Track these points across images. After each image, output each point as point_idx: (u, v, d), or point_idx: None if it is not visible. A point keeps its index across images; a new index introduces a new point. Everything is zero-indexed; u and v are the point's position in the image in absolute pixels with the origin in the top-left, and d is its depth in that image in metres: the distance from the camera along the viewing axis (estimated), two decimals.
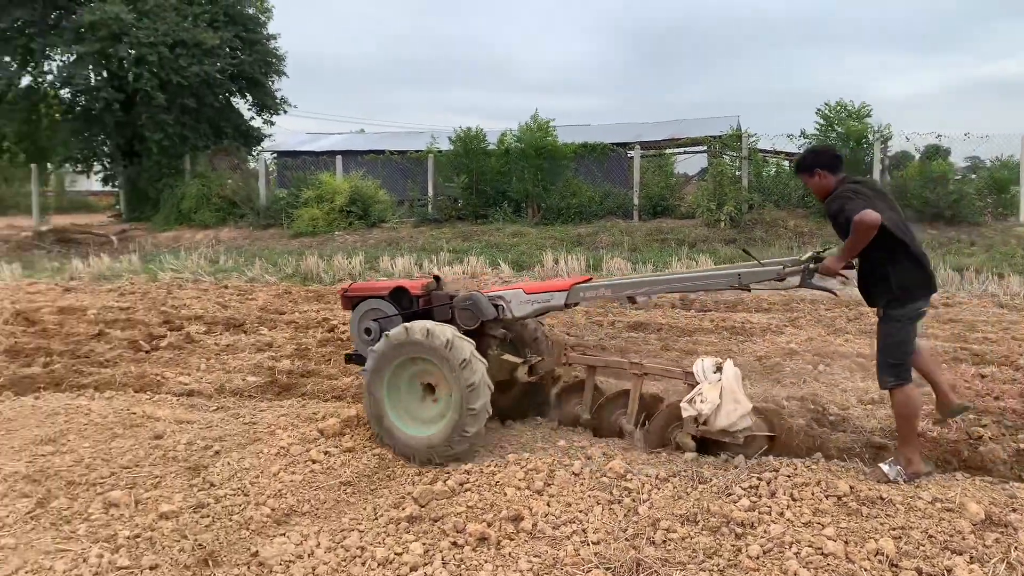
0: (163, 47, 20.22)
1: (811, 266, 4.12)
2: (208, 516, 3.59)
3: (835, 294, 4.81)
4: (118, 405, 5.46)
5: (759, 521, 3.39)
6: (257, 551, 3.30)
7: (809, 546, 3.17)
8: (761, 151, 17.88)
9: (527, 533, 3.38)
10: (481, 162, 19.20)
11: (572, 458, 4.15)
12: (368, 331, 4.93)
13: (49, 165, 27.06)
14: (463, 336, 4.41)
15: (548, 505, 3.59)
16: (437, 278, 5.15)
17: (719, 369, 4.26)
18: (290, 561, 3.23)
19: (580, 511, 3.56)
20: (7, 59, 21.17)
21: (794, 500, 3.59)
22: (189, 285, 11.64)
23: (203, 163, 22.37)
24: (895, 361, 3.99)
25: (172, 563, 3.20)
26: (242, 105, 24.96)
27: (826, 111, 16.63)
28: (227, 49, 21.80)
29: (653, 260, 12.79)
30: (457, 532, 3.39)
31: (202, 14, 21.50)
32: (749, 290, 4.55)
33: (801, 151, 13.55)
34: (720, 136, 18.11)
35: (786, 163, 18.06)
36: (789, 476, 3.85)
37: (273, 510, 3.69)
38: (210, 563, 3.23)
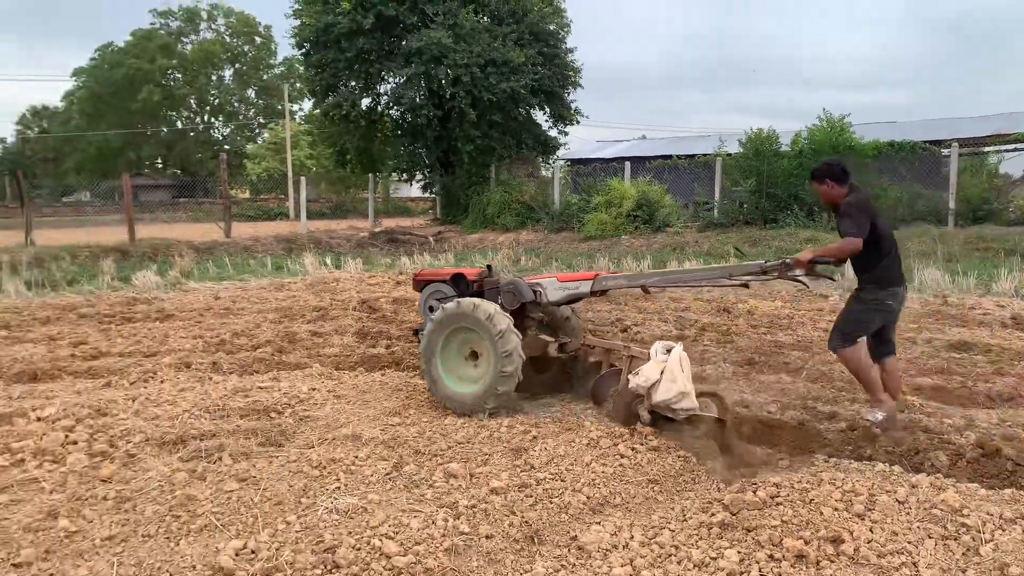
0: (476, 67, 21.92)
1: (787, 260, 4.70)
2: (531, 496, 3.83)
3: (807, 285, 5.50)
4: None
5: None
6: (576, 535, 3.45)
7: None
8: None
9: (848, 557, 3.17)
10: (772, 164, 18.34)
11: (895, 485, 3.81)
12: (431, 308, 5.78)
13: (379, 174, 30.59)
14: (503, 312, 5.20)
15: (871, 531, 3.33)
16: (489, 267, 6.02)
17: (669, 351, 4.68)
18: (607, 550, 3.33)
19: (908, 542, 3.25)
20: (352, 84, 24.26)
21: None
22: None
23: (505, 171, 23.94)
24: (847, 330, 4.80)
25: (504, 535, 3.46)
26: (540, 117, 26.27)
27: None
28: (530, 65, 23.04)
29: (975, 272, 11.31)
30: (773, 545, 3.27)
31: (510, 34, 22.95)
32: (747, 286, 5.43)
33: None
34: None
35: None
36: None
37: (588, 498, 3.84)
38: (535, 540, 3.44)
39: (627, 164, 22.98)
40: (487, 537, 3.42)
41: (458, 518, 3.55)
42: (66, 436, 4.57)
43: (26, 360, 6.90)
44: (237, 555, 3.21)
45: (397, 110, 24.89)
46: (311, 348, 7.44)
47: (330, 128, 26.77)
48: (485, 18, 24.03)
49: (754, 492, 3.75)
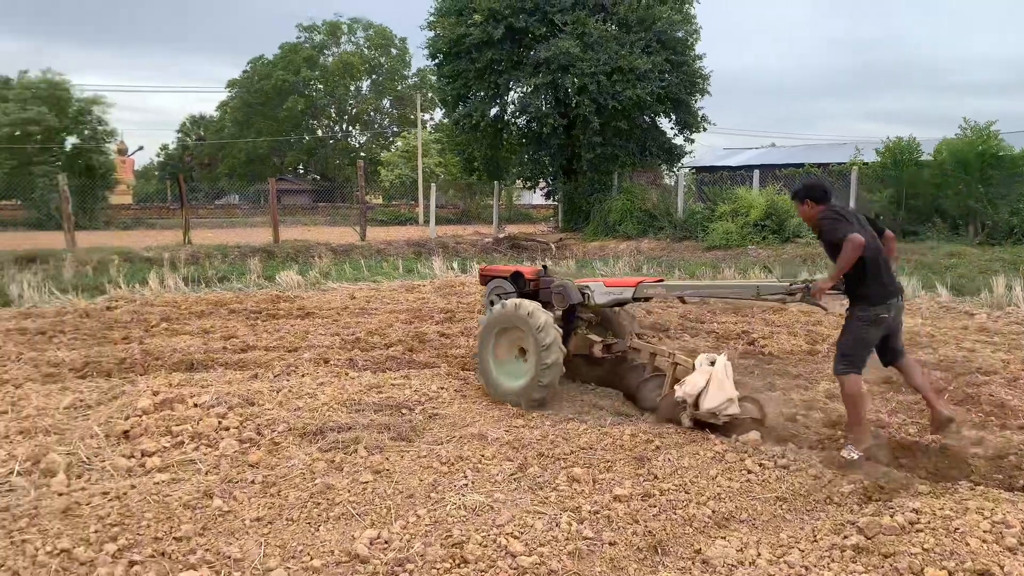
0: (602, 75, 21.86)
1: (809, 285, 4.75)
2: (655, 506, 3.79)
3: (826, 309, 5.32)
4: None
5: None
6: (700, 549, 3.39)
7: None
8: None
9: None
10: (912, 174, 17.26)
11: None
12: (492, 302, 6.22)
13: (504, 182, 31.02)
14: (544, 310, 5.54)
15: None
16: (545, 267, 6.46)
17: (713, 363, 4.97)
18: (733, 565, 3.25)
19: None
20: (481, 93, 24.75)
21: None
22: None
23: (628, 179, 23.72)
24: (848, 352, 4.63)
25: (627, 543, 3.44)
26: (665, 124, 25.87)
27: None
28: (657, 73, 22.75)
29: None
30: (913, 574, 3.09)
31: (637, 41, 22.74)
32: (767, 301, 5.54)
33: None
34: None
35: None
36: None
37: (714, 512, 3.76)
38: (659, 550, 3.40)
39: (755, 172, 22.28)
40: (610, 544, 3.41)
41: (581, 522, 3.56)
42: (219, 422, 4.92)
43: (184, 351, 7.46)
44: (371, 544, 3.35)
45: (523, 118, 25.19)
46: (439, 348, 7.65)
47: (459, 137, 27.41)
48: (613, 26, 23.93)
49: (891, 517, 3.55)
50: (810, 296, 4.73)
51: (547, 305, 5.85)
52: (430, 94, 54.39)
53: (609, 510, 3.70)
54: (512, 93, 25.34)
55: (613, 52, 22.21)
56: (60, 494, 3.87)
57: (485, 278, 6.72)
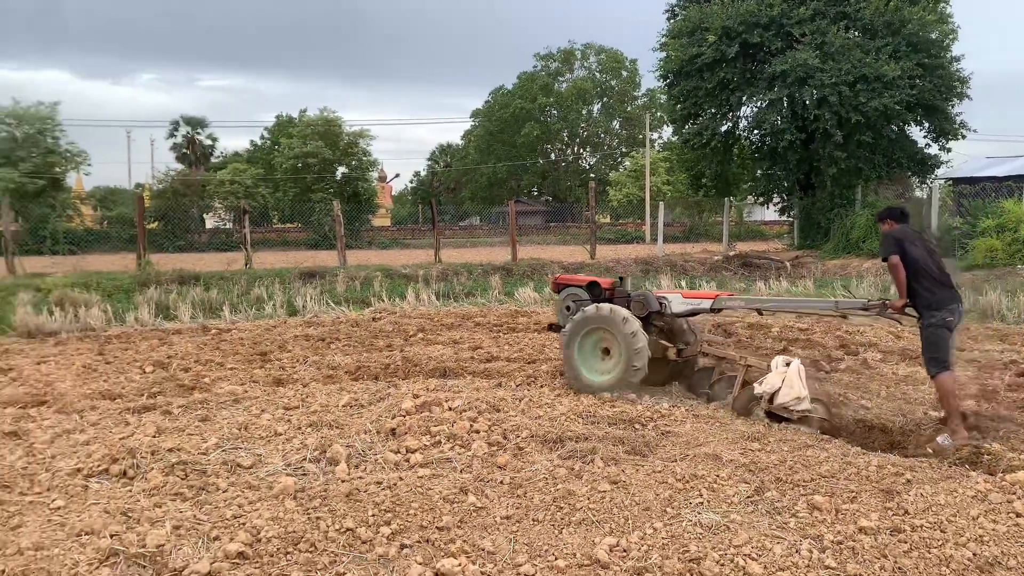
0: (844, 86, 20.46)
1: (886, 302, 5.59)
2: (906, 542, 3.53)
3: (901, 324, 6.38)
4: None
5: None
6: None
7: None
8: None
9: None
10: None
11: None
12: (568, 308, 6.75)
13: (734, 199, 30.03)
14: (633, 315, 6.14)
15: None
16: (621, 278, 7.04)
17: (788, 364, 5.56)
18: None
19: None
20: (711, 111, 24.22)
21: None
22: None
23: (872, 193, 21.93)
24: (932, 355, 5.36)
25: None
26: (916, 132, 23.58)
27: None
28: (907, 79, 20.85)
29: None
30: None
31: (884, 47, 21.02)
32: (846, 317, 6.96)
33: None
34: None
35: None
36: None
37: (975, 555, 3.42)
38: None
39: None
40: None
41: (823, 551, 3.43)
42: (470, 425, 5.32)
43: (437, 359, 8.14)
44: (611, 551, 3.48)
45: (757, 134, 24.26)
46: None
47: (688, 155, 27.00)
48: (856, 33, 22.32)
49: None
50: (886, 311, 5.63)
51: None
52: (659, 113, 54.16)
53: (854, 541, 3.51)
54: (744, 108, 24.54)
55: (856, 60, 20.70)
56: (343, 480, 4.42)
57: (559, 286, 7.20)
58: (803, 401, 5.42)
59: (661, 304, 6.43)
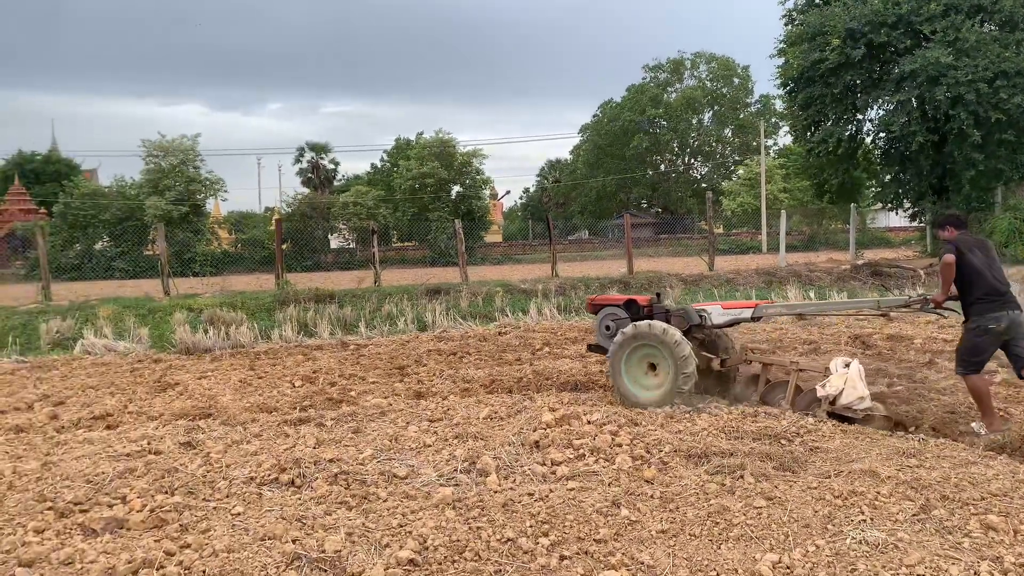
0: (981, 83, 19.21)
1: (927, 297, 5.99)
2: None
3: (944, 316, 6.39)
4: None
5: None
6: None
7: None
8: None
9: None
10: None
11: None
12: (607, 327, 6.84)
13: (859, 205, 28.64)
14: (677, 329, 6.24)
15: None
16: (658, 295, 7.21)
17: (847, 365, 5.87)
18: None
19: None
20: (835, 116, 23.25)
21: None
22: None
23: (1014, 195, 20.42)
24: (965, 357, 5.68)
25: None
26: None
27: None
28: None
29: None
30: None
31: None
32: (888, 316, 7.55)
33: None
34: None
35: None
36: None
37: None
38: None
39: None
40: None
41: (1004, 574, 3.26)
42: (612, 439, 5.37)
43: (567, 372, 8.24)
44: (774, 567, 3.44)
45: (884, 138, 23.10)
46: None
47: (811, 162, 26.02)
48: (993, 27, 20.92)
49: None
50: (928, 306, 5.95)
51: None
52: (773, 119, 52.44)
53: None
54: (869, 111, 23.42)
55: (994, 56, 19.40)
56: (495, 491, 4.57)
57: (596, 307, 7.23)
58: (865, 400, 5.74)
59: (701, 317, 6.54)
